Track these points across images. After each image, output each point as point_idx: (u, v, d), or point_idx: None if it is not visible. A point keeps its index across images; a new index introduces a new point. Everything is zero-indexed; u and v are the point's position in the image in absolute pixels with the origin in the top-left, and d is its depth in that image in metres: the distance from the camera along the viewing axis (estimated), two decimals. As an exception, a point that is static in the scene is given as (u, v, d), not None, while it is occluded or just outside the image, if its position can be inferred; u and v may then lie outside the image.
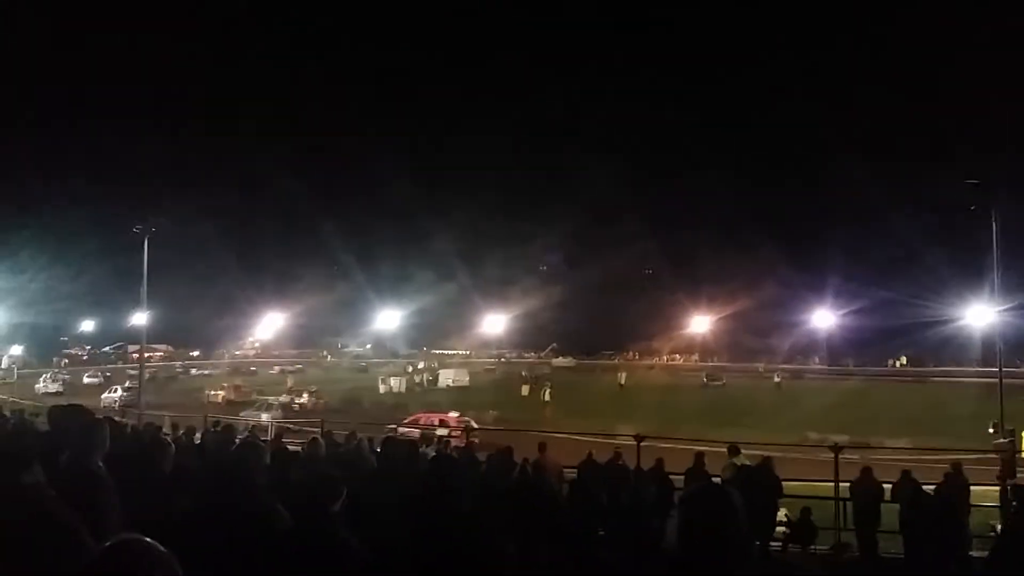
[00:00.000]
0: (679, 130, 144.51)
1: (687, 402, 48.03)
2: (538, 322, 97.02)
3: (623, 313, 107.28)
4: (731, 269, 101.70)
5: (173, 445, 7.16)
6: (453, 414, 33.54)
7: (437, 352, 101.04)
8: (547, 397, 45.86)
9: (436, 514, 4.90)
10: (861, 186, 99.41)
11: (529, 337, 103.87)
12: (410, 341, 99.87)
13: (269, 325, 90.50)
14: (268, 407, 40.01)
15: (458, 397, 49.63)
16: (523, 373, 67.67)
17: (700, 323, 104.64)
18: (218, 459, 9.34)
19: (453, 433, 26.04)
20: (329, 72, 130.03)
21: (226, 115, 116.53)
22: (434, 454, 13.04)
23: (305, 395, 47.05)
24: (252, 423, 28.94)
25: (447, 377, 63.83)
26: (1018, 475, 16.24)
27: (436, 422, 32.60)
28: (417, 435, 17.81)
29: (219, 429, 15.39)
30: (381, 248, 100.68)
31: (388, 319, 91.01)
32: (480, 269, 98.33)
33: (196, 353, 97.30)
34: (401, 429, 24.34)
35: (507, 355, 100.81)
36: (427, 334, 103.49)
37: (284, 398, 45.99)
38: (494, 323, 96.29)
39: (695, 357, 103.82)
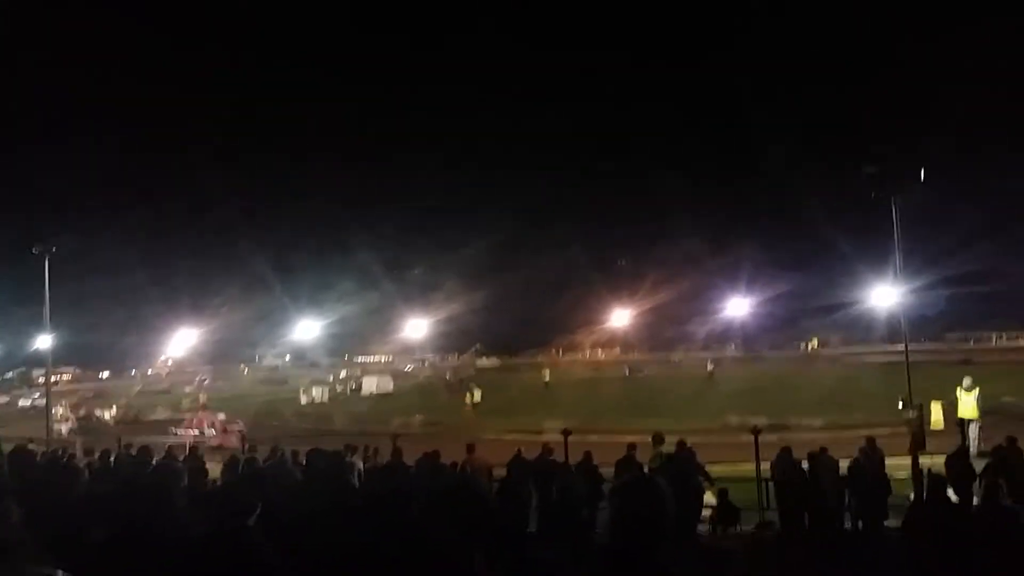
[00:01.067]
0: (597, 124, 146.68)
1: (611, 394, 48.66)
2: (461, 324, 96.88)
3: (546, 311, 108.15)
4: (650, 261, 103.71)
5: (86, 470, 6.87)
6: (221, 416, 36.16)
7: (359, 360, 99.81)
8: (477, 398, 45.98)
9: (385, 523, 4.81)
10: (775, 175, 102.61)
11: (452, 340, 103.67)
12: (330, 350, 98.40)
13: (182, 341, 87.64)
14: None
15: (382, 404, 49.14)
16: (447, 376, 67.48)
17: (621, 316, 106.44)
18: (133, 482, 9.00)
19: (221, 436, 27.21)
20: (240, 78, 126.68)
21: (132, 126, 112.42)
22: (362, 464, 12.93)
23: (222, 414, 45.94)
24: (170, 443, 27.99)
25: (370, 384, 63.10)
26: (928, 446, 17.06)
27: (204, 425, 33.50)
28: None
29: (134, 452, 14.85)
30: (299, 257, 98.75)
31: (307, 329, 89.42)
32: (401, 274, 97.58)
33: (106, 374, 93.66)
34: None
35: (430, 359, 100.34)
36: (348, 342, 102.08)
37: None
38: (416, 327, 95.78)
39: (617, 350, 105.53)
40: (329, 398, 56.19)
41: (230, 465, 13.12)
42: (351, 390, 62.96)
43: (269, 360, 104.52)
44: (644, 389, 52.37)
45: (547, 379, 57.49)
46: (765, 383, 50.36)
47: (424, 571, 3.39)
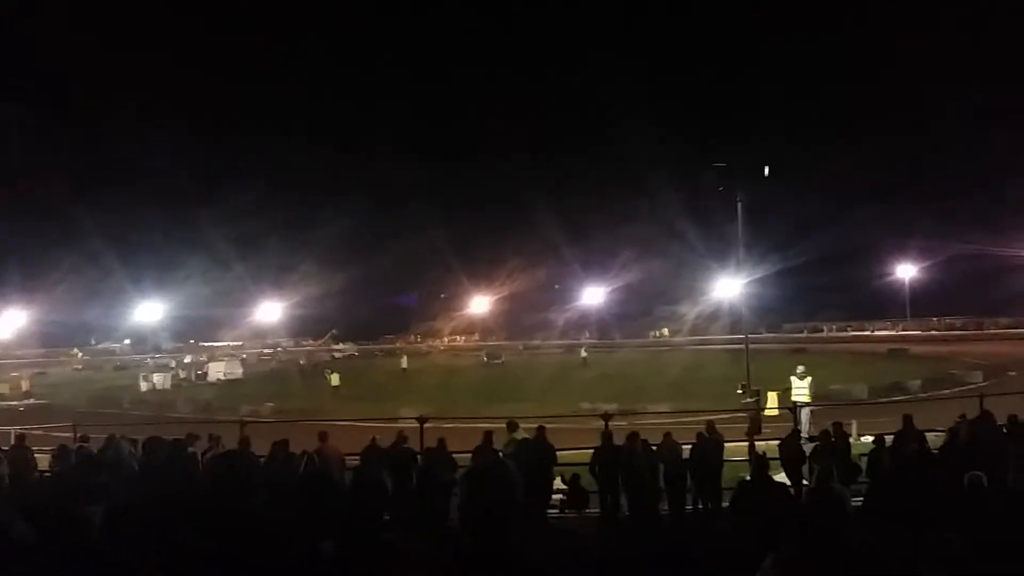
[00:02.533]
0: (459, 114, 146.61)
1: (469, 381, 48.96)
2: (316, 309, 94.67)
3: (404, 296, 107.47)
4: (508, 250, 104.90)
5: None
6: None
7: (206, 345, 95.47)
8: (335, 381, 45.24)
9: (228, 513, 4.59)
10: (629, 168, 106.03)
11: (307, 325, 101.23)
12: (176, 335, 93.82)
13: (9, 324, 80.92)
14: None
15: (230, 390, 47.30)
16: (300, 362, 65.79)
17: (480, 304, 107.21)
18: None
19: None
20: (95, 57, 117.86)
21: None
22: (205, 453, 12.36)
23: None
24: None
25: (217, 370, 60.57)
26: (763, 431, 18.11)
27: None
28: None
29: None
30: (142, 236, 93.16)
31: (149, 311, 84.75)
32: (254, 257, 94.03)
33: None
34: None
35: (283, 344, 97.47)
36: (194, 327, 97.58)
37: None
38: (269, 312, 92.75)
39: (476, 337, 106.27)
40: (172, 385, 53.47)
41: (60, 455, 12.25)
42: (196, 376, 60.17)
43: (106, 344, 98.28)
44: (502, 376, 52.99)
45: (404, 365, 57.29)
46: (618, 370, 52.13)
47: (268, 562, 3.24)
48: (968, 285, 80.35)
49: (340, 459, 12.56)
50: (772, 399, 21.97)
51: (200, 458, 11.88)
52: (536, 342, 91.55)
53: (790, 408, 18.02)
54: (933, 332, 76.28)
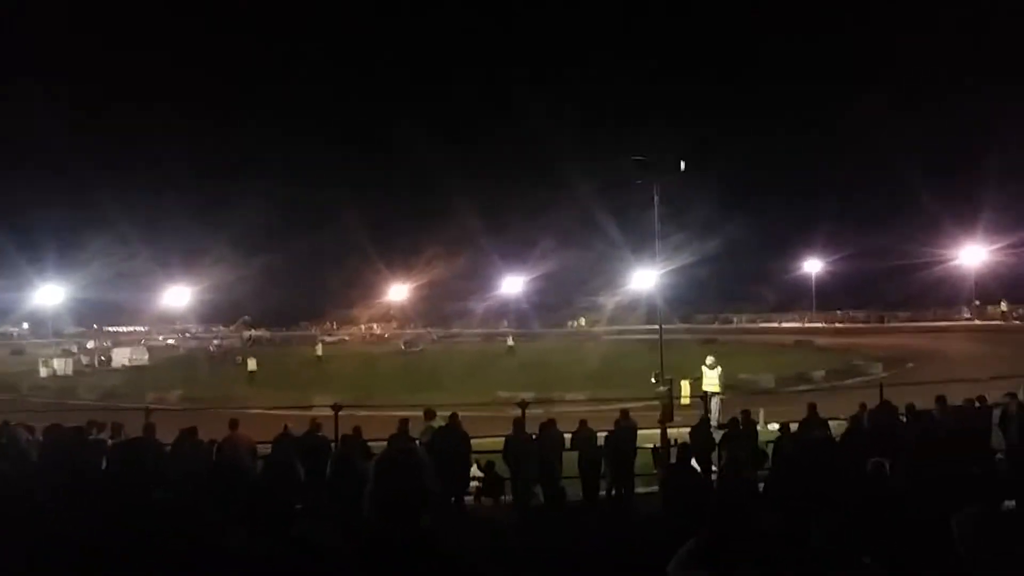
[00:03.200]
0: (375, 95, 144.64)
1: (386, 369, 48.50)
2: (228, 294, 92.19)
3: (320, 283, 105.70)
4: (427, 238, 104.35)
5: None
6: None
7: (111, 330, 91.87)
8: (252, 366, 44.19)
9: (124, 505, 4.38)
10: (551, 159, 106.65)
11: (218, 310, 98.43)
12: (78, 318, 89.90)
13: None
14: None
15: (136, 377, 45.66)
16: (210, 348, 64.02)
17: (399, 291, 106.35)
18: None
19: None
20: None
21: None
22: (110, 440, 11.89)
23: None
24: None
25: (123, 356, 58.38)
26: (676, 419, 18.48)
27: None
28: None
29: None
30: (42, 216, 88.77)
31: (50, 295, 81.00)
32: (163, 239, 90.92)
33: None
34: None
35: (193, 330, 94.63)
36: (97, 311, 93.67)
37: None
38: (178, 296, 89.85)
39: (394, 325, 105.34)
40: (74, 371, 51.28)
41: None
42: (100, 362, 57.85)
43: (4, 328, 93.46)
44: (419, 364, 52.68)
45: (319, 353, 56.26)
46: (537, 358, 52.50)
47: (172, 553, 3.10)
48: (872, 280, 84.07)
49: (251, 447, 12.27)
50: (685, 388, 22.47)
51: (103, 447, 11.42)
52: (455, 331, 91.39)
53: (701, 396, 18.47)
54: (837, 325, 79.36)
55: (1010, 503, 9.78)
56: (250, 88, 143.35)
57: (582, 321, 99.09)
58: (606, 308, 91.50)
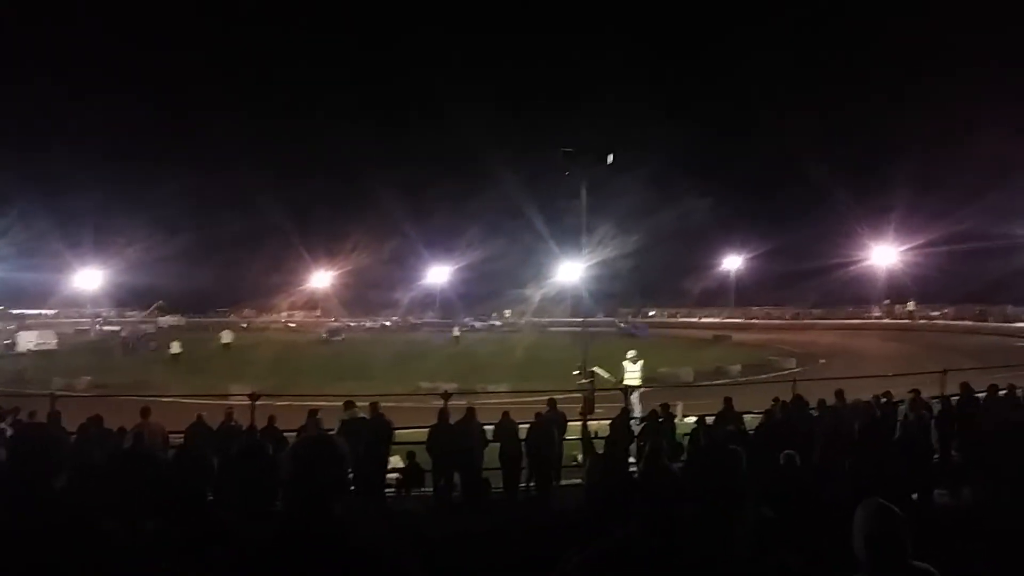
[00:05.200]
0: (297, 75, 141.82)
1: (307, 358, 47.72)
2: (143, 278, 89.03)
3: (238, 268, 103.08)
4: (351, 225, 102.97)
5: None
6: None
7: (15, 313, 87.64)
8: (177, 349, 42.59)
9: (21, 496, 4.15)
10: (479, 148, 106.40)
11: (131, 295, 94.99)
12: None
13: None
14: None
15: (43, 362, 43.76)
16: (121, 334, 61.81)
17: (321, 278, 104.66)
18: None
19: None
20: None
21: None
22: (10, 428, 11.39)
23: None
24: None
25: (28, 340, 55.89)
26: (596, 411, 18.72)
27: None
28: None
29: None
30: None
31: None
32: (73, 220, 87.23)
33: None
34: None
35: (105, 314, 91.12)
36: (1, 293, 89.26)
37: None
38: (88, 279, 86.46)
39: (317, 312, 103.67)
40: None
41: None
42: (4, 346, 55.25)
43: None
44: (342, 353, 51.99)
45: (227, 340, 54.09)
46: (461, 350, 52.49)
47: (73, 545, 2.95)
48: (788, 278, 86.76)
49: (163, 436, 11.92)
50: (606, 380, 22.71)
51: (2, 435, 10.93)
52: (384, 320, 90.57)
53: (622, 390, 18.70)
54: (755, 321, 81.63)
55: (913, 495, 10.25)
56: (168, 64, 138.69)
57: (507, 313, 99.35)
58: (533, 300, 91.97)
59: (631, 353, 21.26)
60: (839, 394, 13.39)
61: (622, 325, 70.00)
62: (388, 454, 13.00)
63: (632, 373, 20.89)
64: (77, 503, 3.55)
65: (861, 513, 3.04)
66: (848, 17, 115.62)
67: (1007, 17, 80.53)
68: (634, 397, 18.85)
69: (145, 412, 11.91)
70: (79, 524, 3.20)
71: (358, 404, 13.18)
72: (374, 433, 12.42)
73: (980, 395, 13.17)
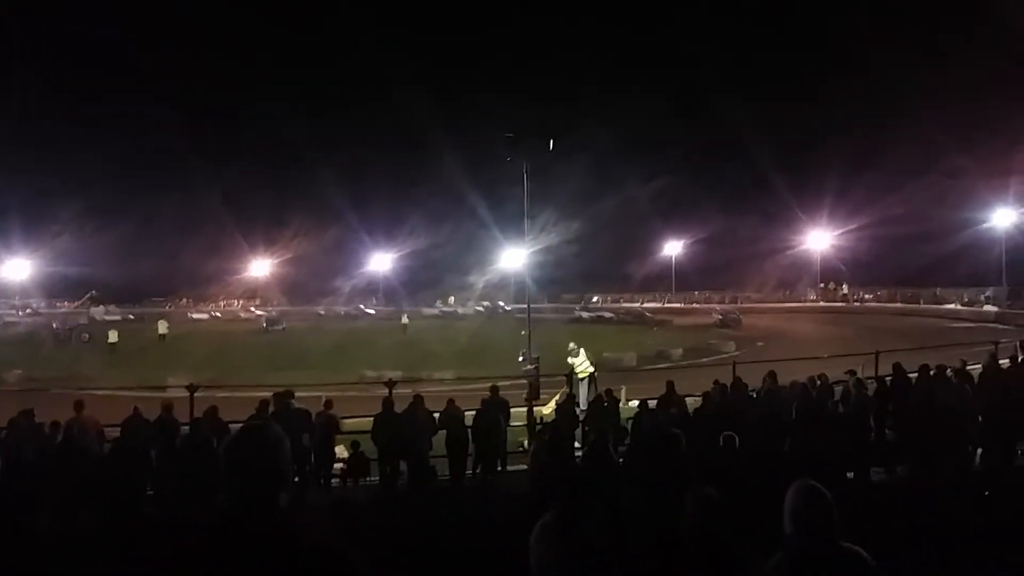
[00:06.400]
0: (235, 59, 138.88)
1: (247, 349, 46.90)
2: (75, 268, 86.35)
3: (173, 257, 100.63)
4: (291, 213, 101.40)
5: None
6: None
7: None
8: (114, 338, 41.23)
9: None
10: (419, 135, 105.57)
11: (63, 285, 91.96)
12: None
13: None
14: None
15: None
16: (53, 325, 59.85)
17: (261, 267, 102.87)
18: None
19: None
20: None
21: None
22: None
23: None
24: None
25: (-47, 333, 53.80)
26: (542, 396, 18.81)
27: None
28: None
29: None
30: None
31: None
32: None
33: None
34: None
35: (35, 305, 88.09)
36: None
37: None
38: (17, 269, 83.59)
39: (257, 302, 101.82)
40: None
41: None
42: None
43: None
44: (283, 343, 51.21)
45: (163, 331, 52.71)
46: (405, 338, 52.18)
47: (3, 544, 2.87)
48: (727, 263, 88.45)
49: (98, 430, 11.60)
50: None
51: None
52: (320, 310, 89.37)
53: (566, 375, 18.71)
54: (695, 305, 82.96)
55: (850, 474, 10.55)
56: (107, 48, 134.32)
57: (451, 299, 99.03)
58: (477, 287, 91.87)
59: (571, 346, 20.64)
60: (772, 375, 13.58)
61: (584, 315, 70.29)
62: (334, 444, 12.91)
63: (581, 364, 20.60)
64: (8, 501, 3.45)
65: (791, 493, 3.11)
66: (785, 4, 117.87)
67: (940, 4, 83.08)
68: (582, 386, 18.63)
69: (78, 406, 11.58)
70: (10, 523, 3.11)
71: (298, 395, 13.00)
72: (321, 423, 12.34)
73: (912, 375, 13.57)
